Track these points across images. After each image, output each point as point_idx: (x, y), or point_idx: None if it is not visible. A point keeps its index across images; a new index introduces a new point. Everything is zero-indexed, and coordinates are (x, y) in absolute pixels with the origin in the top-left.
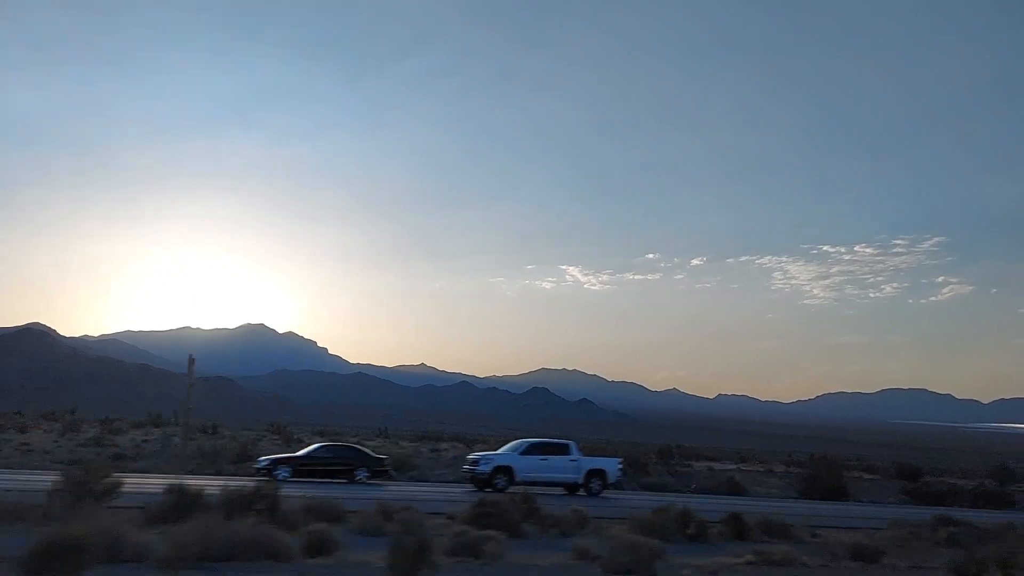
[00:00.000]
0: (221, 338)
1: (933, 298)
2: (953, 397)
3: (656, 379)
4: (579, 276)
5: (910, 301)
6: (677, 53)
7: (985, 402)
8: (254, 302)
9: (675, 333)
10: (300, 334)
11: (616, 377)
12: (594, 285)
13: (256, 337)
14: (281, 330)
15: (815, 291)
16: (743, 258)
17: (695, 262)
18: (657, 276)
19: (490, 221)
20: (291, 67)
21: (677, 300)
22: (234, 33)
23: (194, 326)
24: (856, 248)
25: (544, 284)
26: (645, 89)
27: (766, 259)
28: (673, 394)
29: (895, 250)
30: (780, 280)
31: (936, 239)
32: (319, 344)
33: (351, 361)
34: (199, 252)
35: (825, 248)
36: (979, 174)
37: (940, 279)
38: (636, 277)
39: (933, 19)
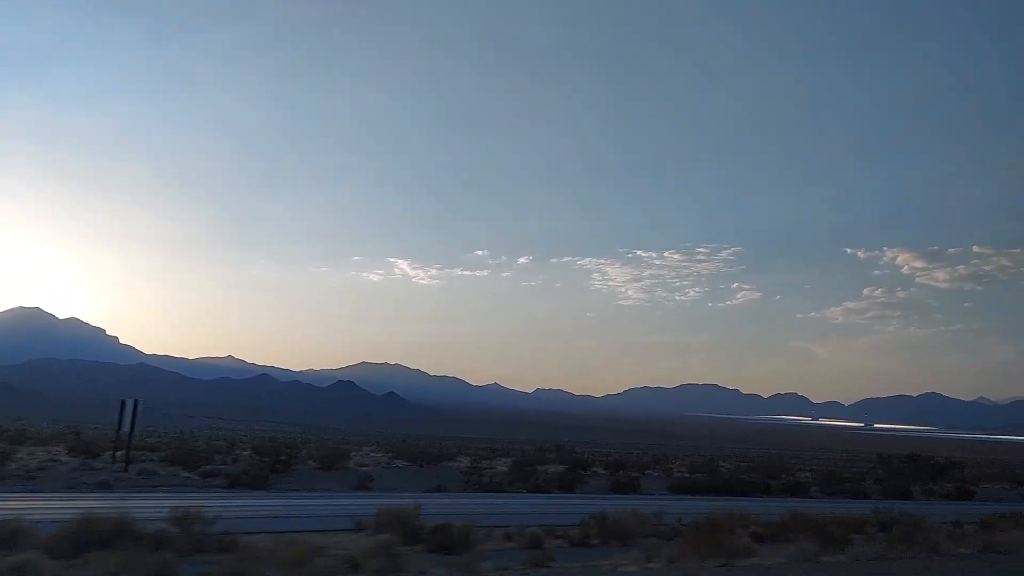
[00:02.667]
0: None
1: (729, 302)
2: (740, 392)
3: (479, 374)
4: (408, 269)
5: (709, 304)
6: (513, 54)
7: (765, 396)
8: (32, 284)
9: (500, 329)
10: (85, 320)
11: (439, 372)
12: (423, 279)
13: (30, 322)
14: (62, 315)
15: (629, 292)
16: (566, 259)
17: (521, 260)
18: (485, 272)
19: (314, 210)
20: (81, 23)
21: (503, 297)
22: None
23: None
24: (666, 254)
25: (372, 276)
26: (478, 88)
27: (587, 260)
28: (494, 388)
29: (698, 257)
30: (599, 281)
31: (733, 249)
32: (108, 332)
33: (145, 352)
34: None
35: (639, 252)
36: (772, 193)
37: (735, 285)
38: (464, 273)
39: (748, 40)
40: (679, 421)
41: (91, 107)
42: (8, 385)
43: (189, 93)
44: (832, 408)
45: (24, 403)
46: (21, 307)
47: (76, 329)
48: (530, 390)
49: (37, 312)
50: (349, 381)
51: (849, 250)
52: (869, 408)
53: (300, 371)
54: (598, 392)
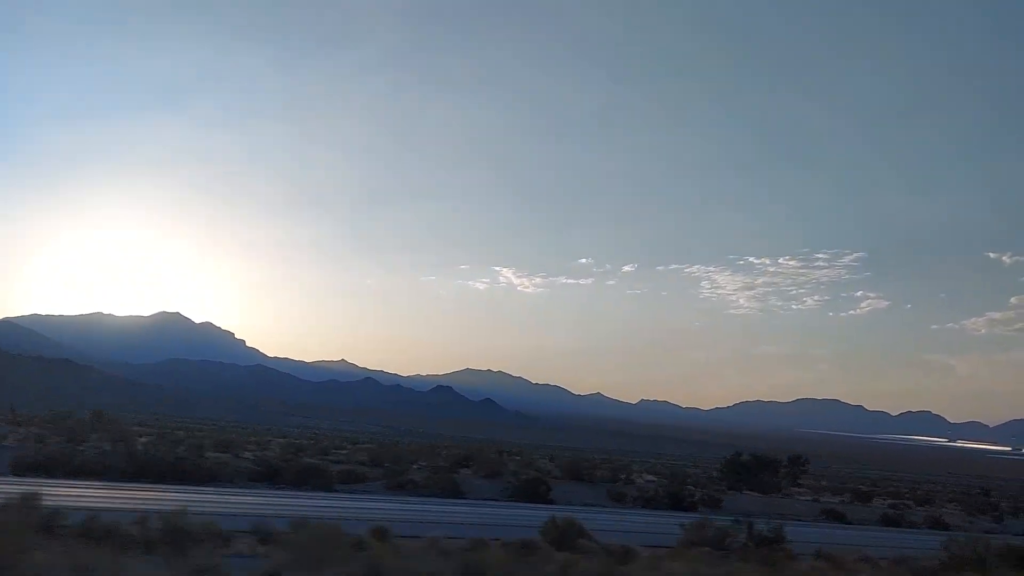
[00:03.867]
0: (134, 325)
1: (852, 312)
2: (864, 408)
3: (582, 383)
4: (512, 278)
5: (830, 314)
6: (610, 58)
7: (894, 414)
8: (174, 291)
9: (604, 338)
10: (217, 324)
11: (542, 380)
12: (527, 288)
13: (170, 325)
14: (198, 320)
15: (741, 301)
16: (673, 266)
17: (626, 268)
18: (589, 281)
19: (422, 221)
20: (221, 52)
21: (608, 305)
22: (163, 14)
23: (106, 312)
24: (780, 260)
25: (478, 285)
26: (582, 93)
27: (695, 268)
28: (597, 399)
29: (817, 263)
30: (707, 289)
31: (856, 254)
32: (236, 336)
33: (268, 355)
34: (119, 237)
35: (751, 259)
36: (898, 193)
37: (859, 293)
38: (569, 281)
39: (860, 41)
40: (794, 437)
41: (227, 130)
42: (144, 383)
43: (308, 114)
44: (972, 429)
45: (161, 400)
46: (164, 312)
47: (209, 332)
48: (634, 401)
49: (177, 317)
50: (448, 386)
51: (992, 254)
52: (1019, 430)
53: (407, 376)
54: (706, 405)
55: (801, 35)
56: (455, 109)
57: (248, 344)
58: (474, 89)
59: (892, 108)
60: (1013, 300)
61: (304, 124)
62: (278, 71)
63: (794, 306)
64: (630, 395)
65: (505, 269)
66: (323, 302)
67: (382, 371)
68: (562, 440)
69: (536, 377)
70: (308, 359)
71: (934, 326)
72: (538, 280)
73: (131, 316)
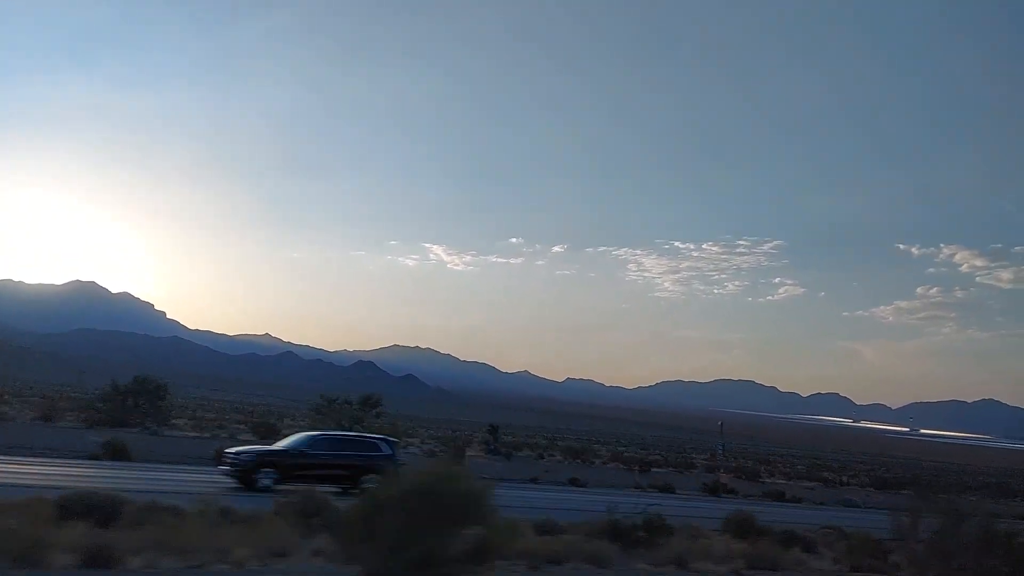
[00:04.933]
0: (45, 293)
1: (770, 297)
2: (777, 390)
3: (509, 361)
4: (443, 255)
5: (749, 299)
6: (553, 41)
7: (804, 395)
8: (89, 259)
9: (533, 317)
10: (135, 295)
11: (470, 357)
12: (457, 265)
13: (84, 295)
14: (115, 289)
15: (666, 284)
16: (601, 248)
17: (556, 249)
18: (519, 260)
19: (351, 194)
20: (137, 10)
21: (537, 285)
22: None
23: (16, 279)
24: (704, 246)
25: (407, 261)
26: (519, 75)
27: (622, 251)
28: (524, 376)
29: (739, 250)
30: (634, 272)
31: (775, 242)
32: (156, 307)
33: (189, 327)
34: (30, 201)
35: (676, 244)
36: (817, 185)
37: (776, 280)
38: (499, 260)
39: (783, 38)
40: (708, 416)
41: (141, 90)
42: (56, 353)
43: (230, 78)
44: (877, 411)
45: (66, 371)
46: (78, 280)
47: (126, 303)
48: (561, 379)
49: (92, 286)
50: (370, 362)
51: (902, 246)
52: (917, 413)
53: (333, 351)
54: (630, 384)
55: (730, 31)
56: (385, 81)
57: (169, 316)
58: (405, 61)
59: (812, 104)
60: (919, 290)
61: (225, 88)
62: (198, 32)
63: (716, 290)
64: (557, 373)
65: (435, 246)
66: (248, 274)
67: (308, 346)
68: (476, 416)
69: (464, 354)
70: (230, 332)
71: (845, 313)
72: (468, 258)
73: (42, 284)
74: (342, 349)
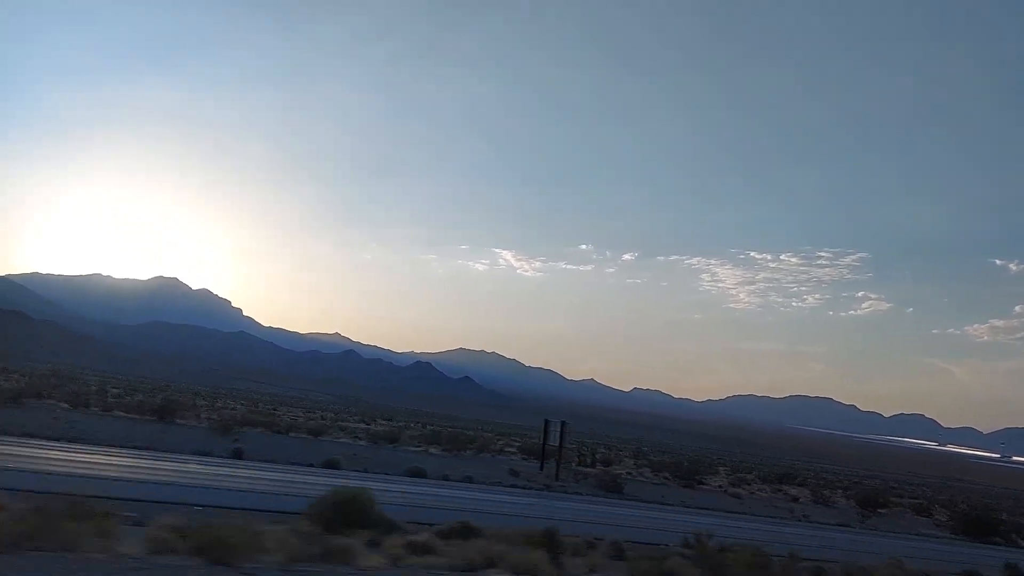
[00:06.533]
0: (129, 288)
1: (852, 312)
2: (857, 408)
3: (575, 369)
4: (512, 261)
5: (830, 313)
6: (627, 47)
7: (886, 415)
8: (172, 256)
9: (601, 325)
10: (214, 292)
11: (535, 363)
12: (527, 271)
13: (168, 290)
14: (195, 286)
15: (741, 296)
16: (673, 257)
17: (627, 257)
18: (589, 267)
19: (423, 197)
20: (219, 16)
21: (606, 293)
22: None
23: (104, 273)
24: (782, 256)
25: (477, 265)
26: (590, 80)
27: (695, 260)
28: (590, 384)
29: (819, 262)
30: (708, 282)
31: (859, 254)
32: (233, 304)
33: (263, 324)
34: (117, 199)
35: (752, 254)
36: (904, 196)
37: (860, 294)
38: (568, 267)
39: (870, 43)
40: (782, 433)
41: (221, 92)
42: (135, 345)
43: (306, 81)
44: (965, 435)
45: (137, 363)
46: (162, 276)
47: (205, 299)
48: (627, 389)
49: (174, 282)
50: (427, 363)
51: (999, 261)
52: (1011, 438)
53: (400, 352)
54: (699, 396)
55: (813, 35)
56: (458, 84)
57: (245, 313)
58: (478, 65)
59: (901, 111)
60: (1017, 308)
61: (302, 90)
62: (276, 36)
63: (794, 303)
64: (623, 383)
65: (505, 251)
66: (323, 274)
67: (373, 346)
68: (521, 421)
69: (530, 360)
70: (302, 330)
71: (935, 330)
72: (538, 264)
73: (128, 279)
74: (409, 350)
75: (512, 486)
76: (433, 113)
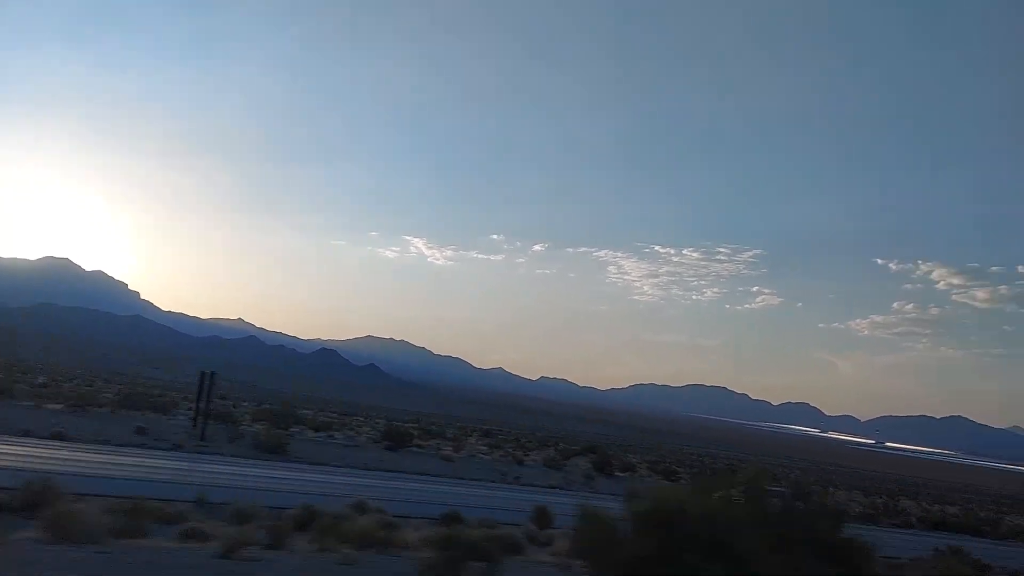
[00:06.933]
0: (18, 268)
1: (748, 306)
2: (748, 397)
3: (484, 357)
4: (423, 249)
5: (727, 306)
6: (540, 38)
7: (775, 404)
8: (63, 236)
9: (511, 315)
10: (110, 274)
11: (445, 352)
12: (438, 259)
13: (59, 272)
14: (89, 267)
15: (645, 288)
16: (582, 249)
17: (537, 247)
18: (500, 257)
19: (335, 182)
20: None
21: (516, 283)
22: None
23: None
24: (684, 251)
25: (387, 253)
26: (506, 70)
27: (603, 252)
28: (498, 373)
29: (718, 257)
30: (614, 274)
31: (755, 251)
32: (130, 287)
33: (163, 308)
34: (7, 175)
35: (656, 248)
36: (798, 196)
37: (755, 289)
38: (479, 256)
39: (769, 47)
40: (678, 420)
41: (125, 70)
42: (17, 328)
43: (215, 58)
44: (845, 423)
45: (30, 346)
46: (51, 256)
47: (99, 281)
48: (535, 377)
49: (66, 263)
50: (332, 350)
51: (880, 260)
52: (886, 426)
53: (306, 339)
54: (603, 385)
55: (715, 35)
56: (373, 70)
57: (142, 296)
58: (393, 51)
59: (795, 111)
60: (895, 305)
61: (210, 71)
62: (184, 13)
63: (694, 296)
64: (531, 372)
65: (416, 239)
66: (228, 259)
67: (276, 332)
68: (429, 408)
69: (440, 348)
70: (203, 315)
71: (821, 324)
72: (449, 252)
73: (15, 259)
74: (315, 337)
75: (130, 444)
76: (346, 98)
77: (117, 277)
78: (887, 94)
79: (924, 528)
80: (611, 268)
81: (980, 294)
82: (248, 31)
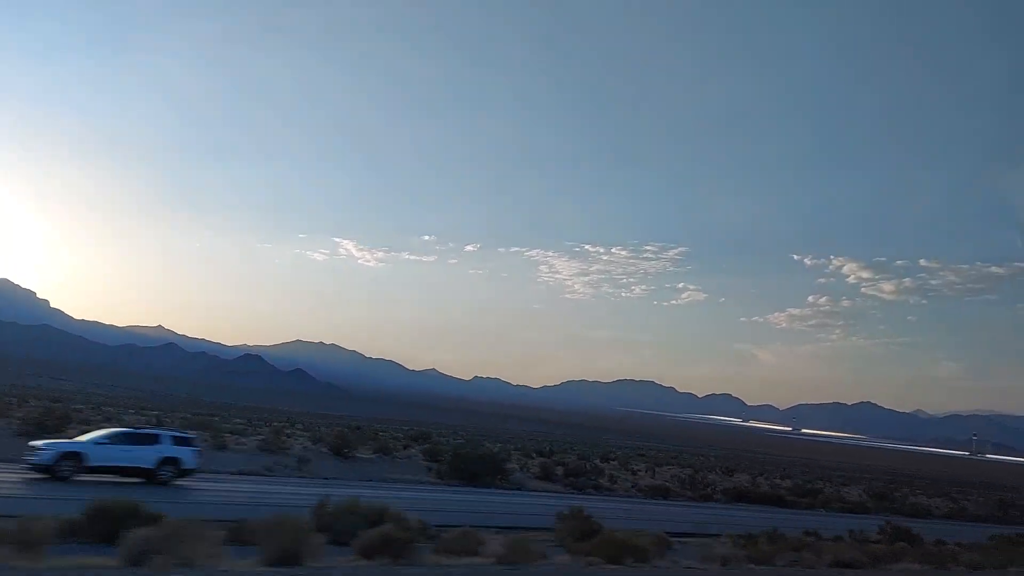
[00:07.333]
0: None
1: (674, 301)
2: (675, 390)
3: (418, 359)
4: (353, 251)
5: (655, 302)
6: (468, 39)
7: (700, 396)
8: None
9: (443, 316)
10: (16, 282)
11: (376, 354)
12: (368, 261)
13: None
14: None
15: (576, 286)
16: (514, 249)
17: (469, 248)
18: (432, 258)
19: (259, 182)
20: None
21: (449, 283)
22: None
23: None
24: (613, 249)
25: (316, 255)
26: (430, 72)
27: (535, 252)
28: (432, 374)
29: (645, 255)
30: (546, 273)
31: (680, 248)
32: (39, 295)
33: (75, 316)
34: None
35: (587, 247)
36: (719, 194)
37: (680, 285)
38: (411, 257)
39: (690, 48)
40: (607, 415)
41: (22, 60)
42: None
43: (127, 51)
44: (765, 411)
45: None
46: None
47: (4, 290)
48: (468, 378)
49: None
50: (257, 355)
51: (796, 256)
52: (801, 414)
53: (231, 345)
54: (536, 383)
55: (637, 33)
56: (299, 65)
57: (52, 305)
58: (320, 46)
59: (717, 114)
60: (810, 298)
61: (121, 62)
62: (85, 3)
63: (624, 293)
64: (464, 372)
65: (346, 240)
66: (145, 264)
67: (199, 338)
68: (359, 411)
69: (371, 351)
70: (120, 323)
71: (743, 318)
72: (380, 254)
73: None
74: (241, 343)
75: None
76: (271, 94)
77: (24, 285)
78: (800, 96)
79: (727, 502)
80: (543, 267)
81: (887, 287)
82: (163, 21)
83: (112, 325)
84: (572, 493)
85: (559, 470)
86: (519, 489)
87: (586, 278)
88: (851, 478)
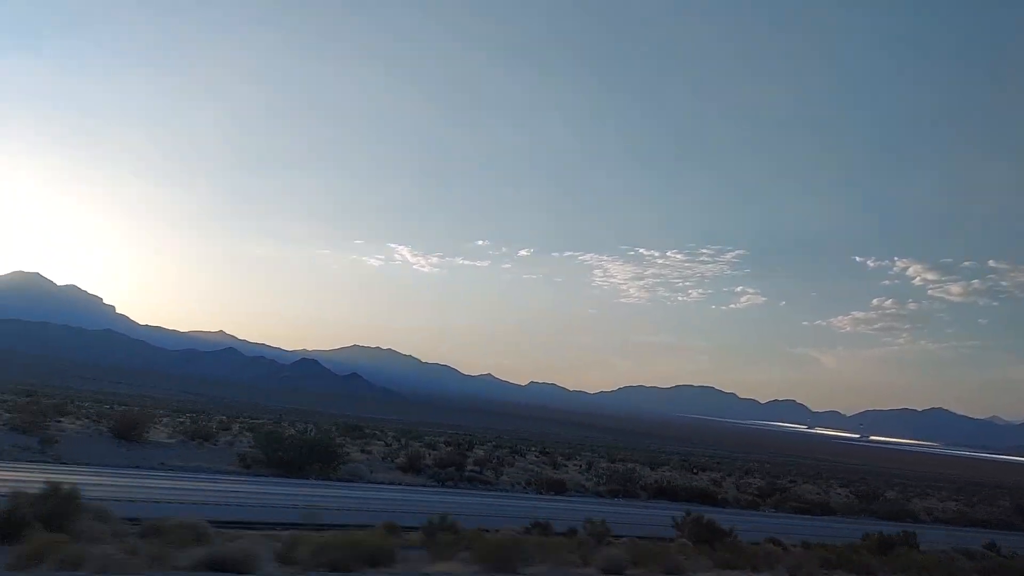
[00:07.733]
0: None
1: (732, 305)
2: (736, 396)
3: (473, 364)
4: (408, 256)
5: (712, 307)
6: (531, 45)
7: (762, 402)
8: (34, 250)
9: (498, 321)
10: (83, 288)
11: (432, 359)
12: (423, 267)
13: (28, 286)
14: (61, 282)
15: (631, 291)
16: (567, 253)
17: (523, 253)
18: (486, 263)
19: (318, 191)
20: None
21: (503, 289)
22: None
23: None
24: (669, 253)
25: (372, 261)
26: (485, 77)
27: (588, 256)
28: (487, 379)
29: (702, 258)
30: (600, 278)
31: (738, 251)
32: (105, 301)
33: (139, 322)
34: None
35: (641, 251)
36: (778, 197)
37: (739, 289)
38: (465, 262)
39: (758, 54)
40: (666, 421)
41: (91, 76)
42: None
43: (188, 65)
44: (831, 418)
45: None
46: (21, 271)
47: (72, 296)
48: (524, 383)
49: (36, 277)
50: (313, 360)
51: (858, 258)
52: (869, 420)
53: (290, 350)
54: (592, 389)
55: (698, 40)
56: (354, 76)
57: (118, 311)
58: (374, 57)
59: (776, 115)
60: (875, 301)
61: (187, 77)
62: (154, 15)
63: (680, 298)
64: (520, 377)
65: (401, 247)
66: (208, 270)
67: (258, 343)
68: (413, 416)
69: (427, 356)
70: (183, 328)
71: (804, 322)
72: (435, 259)
73: None
74: (299, 348)
75: None
76: (327, 107)
77: (91, 291)
78: (860, 95)
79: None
80: (597, 272)
81: (954, 288)
82: (229, 35)
83: (174, 330)
84: (433, 486)
85: (428, 460)
86: (351, 481)
87: (641, 282)
88: (929, 487)
